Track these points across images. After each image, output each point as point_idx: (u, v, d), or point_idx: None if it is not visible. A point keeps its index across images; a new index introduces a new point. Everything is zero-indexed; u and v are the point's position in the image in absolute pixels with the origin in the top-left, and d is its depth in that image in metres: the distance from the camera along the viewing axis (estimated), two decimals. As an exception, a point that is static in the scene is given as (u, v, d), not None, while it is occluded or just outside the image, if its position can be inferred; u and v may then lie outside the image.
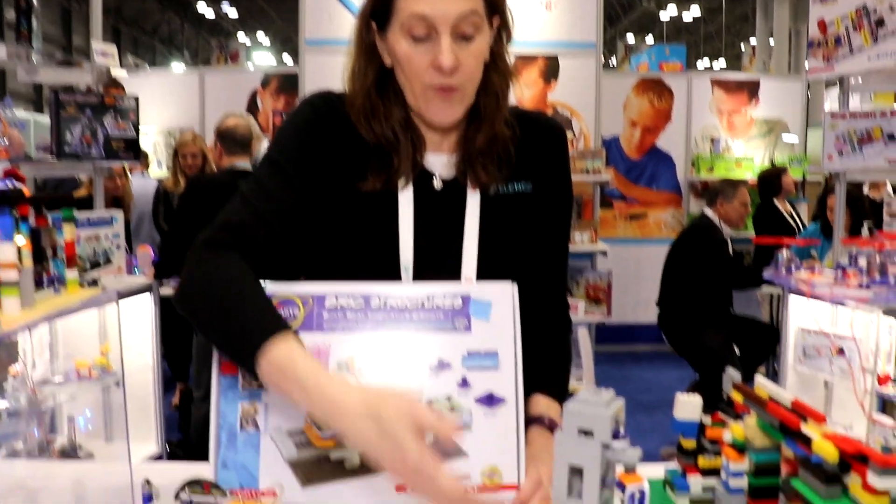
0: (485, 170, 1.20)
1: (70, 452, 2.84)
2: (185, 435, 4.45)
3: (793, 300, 3.48)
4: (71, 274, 1.07)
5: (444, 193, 1.21)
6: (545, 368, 1.25)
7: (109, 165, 3.61)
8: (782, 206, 5.84)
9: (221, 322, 1.05)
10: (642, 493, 0.80)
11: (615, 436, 0.80)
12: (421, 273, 1.17)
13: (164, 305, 3.64)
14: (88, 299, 1.03)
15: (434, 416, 0.92)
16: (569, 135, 6.57)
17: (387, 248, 1.18)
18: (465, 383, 1.06)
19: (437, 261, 1.01)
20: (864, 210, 4.92)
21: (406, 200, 1.19)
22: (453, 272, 1.18)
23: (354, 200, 1.19)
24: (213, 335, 1.07)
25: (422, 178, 1.21)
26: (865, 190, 5.88)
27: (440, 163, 1.23)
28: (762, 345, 4.83)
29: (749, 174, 6.69)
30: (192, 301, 1.10)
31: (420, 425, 0.90)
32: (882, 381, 2.80)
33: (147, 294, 3.43)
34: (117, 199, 4.72)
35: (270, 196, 1.16)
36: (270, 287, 1.09)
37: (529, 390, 1.20)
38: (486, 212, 1.21)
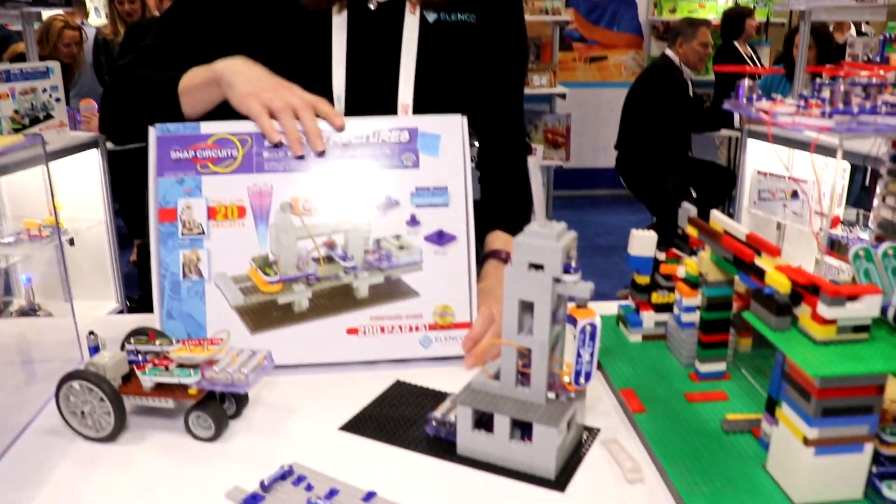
0: None
1: (29, 312, 2.82)
2: (146, 291, 4.45)
3: (751, 143, 3.47)
4: (-11, 120, 0.98)
5: (380, 14, 1.15)
6: (504, 205, 1.24)
7: (38, 11, 3.36)
8: (742, 48, 5.74)
9: (142, 99, 1.12)
10: (594, 327, 0.78)
11: (566, 270, 0.77)
12: (355, 101, 1.12)
13: (116, 162, 3.52)
14: (11, 145, 0.96)
15: None
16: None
17: (318, 75, 1.12)
18: (414, 221, 1.02)
19: (372, 88, 0.95)
20: (831, 51, 4.86)
21: (339, 25, 1.12)
22: (389, 101, 1.12)
23: (286, 24, 1.12)
24: (139, 115, 1.09)
25: (357, 1, 1.14)
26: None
27: None
28: (718, 188, 4.88)
29: (712, 15, 6.53)
30: (113, 109, 1.18)
31: None
32: (833, 223, 2.84)
33: (94, 150, 3.30)
34: (66, 66, 4.47)
35: (185, 21, 1.14)
36: (205, 127, 1.02)
37: (488, 227, 1.18)
38: (425, 38, 1.16)
